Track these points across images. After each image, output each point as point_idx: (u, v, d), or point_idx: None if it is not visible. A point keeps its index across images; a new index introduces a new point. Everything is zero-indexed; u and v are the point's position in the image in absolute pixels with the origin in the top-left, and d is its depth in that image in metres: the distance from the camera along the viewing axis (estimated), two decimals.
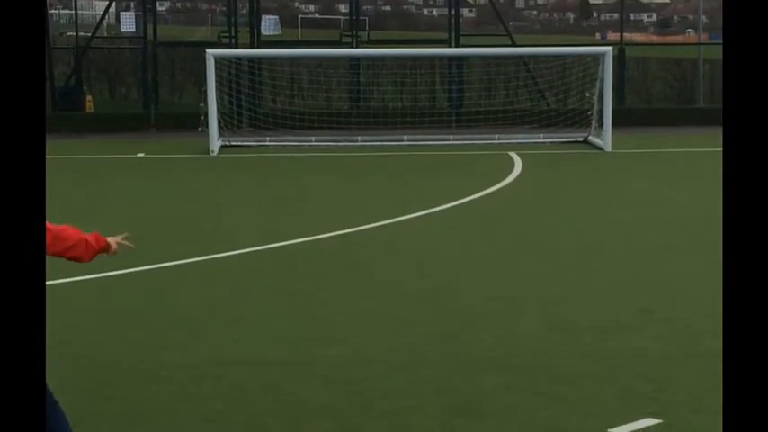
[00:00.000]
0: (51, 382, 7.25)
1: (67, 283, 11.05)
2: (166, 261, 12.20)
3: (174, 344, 9.01)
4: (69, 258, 6.26)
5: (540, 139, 24.74)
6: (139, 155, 22.81)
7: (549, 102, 28.48)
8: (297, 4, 66.65)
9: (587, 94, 25.88)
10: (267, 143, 24.26)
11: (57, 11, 38.41)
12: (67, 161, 21.99)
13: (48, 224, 6.06)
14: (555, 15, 72.67)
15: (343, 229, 14.22)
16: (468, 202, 16.50)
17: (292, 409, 7.40)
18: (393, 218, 14.97)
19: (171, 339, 9.15)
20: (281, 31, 30.13)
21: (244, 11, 29.28)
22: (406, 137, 24.82)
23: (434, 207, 15.86)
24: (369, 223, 14.55)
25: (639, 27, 63.44)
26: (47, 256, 5.73)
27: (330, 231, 14.02)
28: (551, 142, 24.36)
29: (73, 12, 32.74)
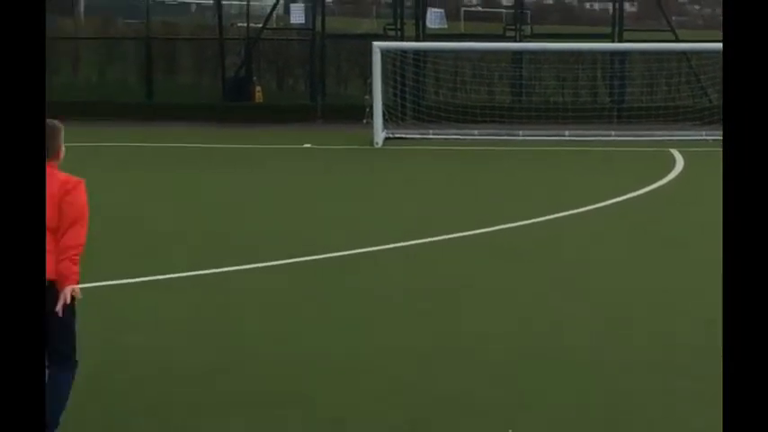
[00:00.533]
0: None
1: (242, 270, 11.58)
2: (332, 252, 12.58)
3: (346, 330, 9.41)
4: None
5: (701, 136, 24.61)
6: (306, 145, 23.34)
7: (712, 98, 28.20)
8: None
9: None
10: (430, 136, 24.60)
11: (228, 2, 39.32)
12: (236, 150, 22.68)
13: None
14: (717, 11, 71.41)
15: (503, 223, 14.43)
16: (627, 199, 16.58)
17: (451, 402, 7.64)
18: (553, 213, 15.14)
19: (341, 328, 9.58)
20: (446, 25, 30.42)
21: (409, 3, 29.64)
22: (567, 132, 24.94)
23: (594, 204, 15.98)
24: (528, 219, 14.75)
25: None
26: None
27: (490, 226, 14.26)
28: (713, 140, 24.19)
29: (244, 2, 33.53)
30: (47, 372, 6.30)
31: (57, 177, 6.66)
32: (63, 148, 6.85)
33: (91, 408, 7.38)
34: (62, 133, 6.85)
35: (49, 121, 6.58)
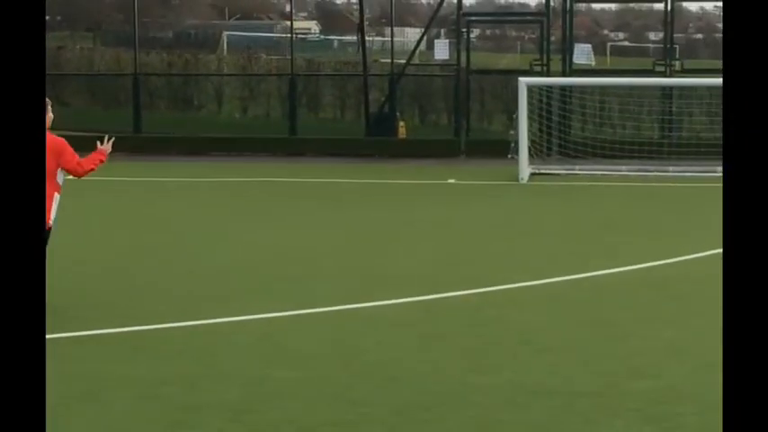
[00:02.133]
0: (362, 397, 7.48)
1: (378, 306, 11.35)
2: (480, 287, 12.33)
3: (484, 368, 9.10)
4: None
5: None
6: (450, 180, 23.12)
7: None
8: (606, 31, 66.24)
9: None
10: (576, 172, 24.16)
11: (371, 38, 39.45)
12: (380, 186, 22.56)
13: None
14: None
15: (655, 260, 14.01)
16: None
17: None
18: (710, 250, 14.63)
19: (481, 363, 9.25)
20: (593, 62, 30.16)
21: (552, 38, 29.26)
22: (719, 168, 24.23)
23: None
24: (683, 255, 14.28)
25: None
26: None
27: (640, 263, 13.84)
28: None
29: (387, 39, 33.58)
30: None
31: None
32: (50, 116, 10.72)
33: None
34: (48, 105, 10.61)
35: None
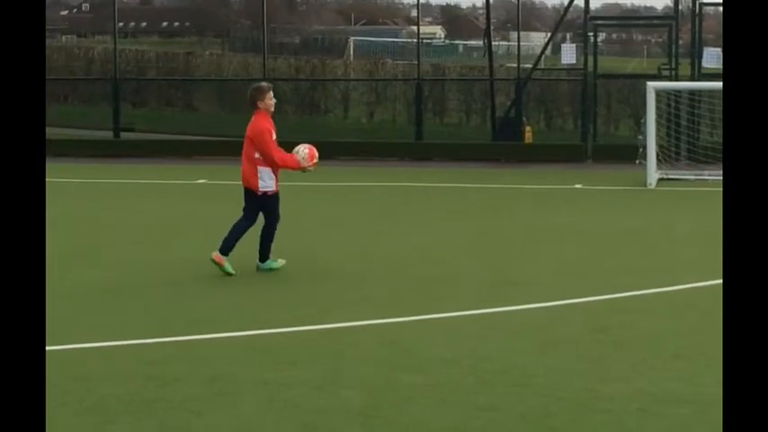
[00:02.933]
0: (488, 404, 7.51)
1: (503, 312, 11.35)
2: (606, 293, 12.24)
3: (612, 375, 9.03)
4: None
5: None
6: (577, 186, 22.97)
7: None
8: None
9: None
10: (706, 177, 23.80)
11: (497, 42, 39.41)
12: (507, 190, 22.52)
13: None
14: None
15: None
16: None
17: None
18: None
19: (609, 370, 9.18)
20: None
21: (680, 42, 28.90)
22: None
23: None
24: None
25: None
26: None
27: None
28: None
29: (513, 43, 33.50)
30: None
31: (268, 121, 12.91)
32: (272, 102, 12.91)
33: None
34: (270, 91, 12.93)
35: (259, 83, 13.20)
